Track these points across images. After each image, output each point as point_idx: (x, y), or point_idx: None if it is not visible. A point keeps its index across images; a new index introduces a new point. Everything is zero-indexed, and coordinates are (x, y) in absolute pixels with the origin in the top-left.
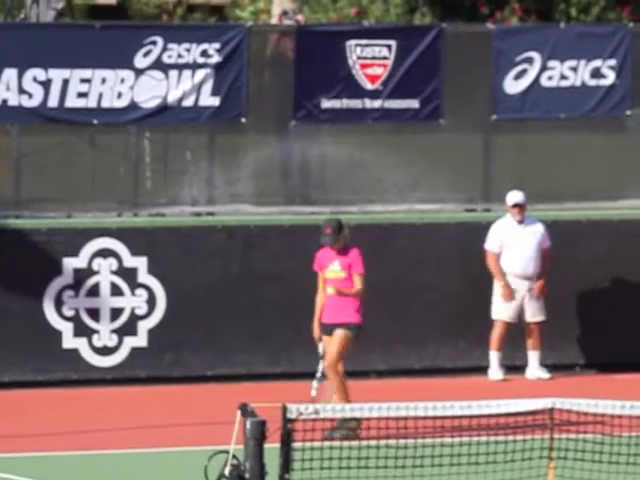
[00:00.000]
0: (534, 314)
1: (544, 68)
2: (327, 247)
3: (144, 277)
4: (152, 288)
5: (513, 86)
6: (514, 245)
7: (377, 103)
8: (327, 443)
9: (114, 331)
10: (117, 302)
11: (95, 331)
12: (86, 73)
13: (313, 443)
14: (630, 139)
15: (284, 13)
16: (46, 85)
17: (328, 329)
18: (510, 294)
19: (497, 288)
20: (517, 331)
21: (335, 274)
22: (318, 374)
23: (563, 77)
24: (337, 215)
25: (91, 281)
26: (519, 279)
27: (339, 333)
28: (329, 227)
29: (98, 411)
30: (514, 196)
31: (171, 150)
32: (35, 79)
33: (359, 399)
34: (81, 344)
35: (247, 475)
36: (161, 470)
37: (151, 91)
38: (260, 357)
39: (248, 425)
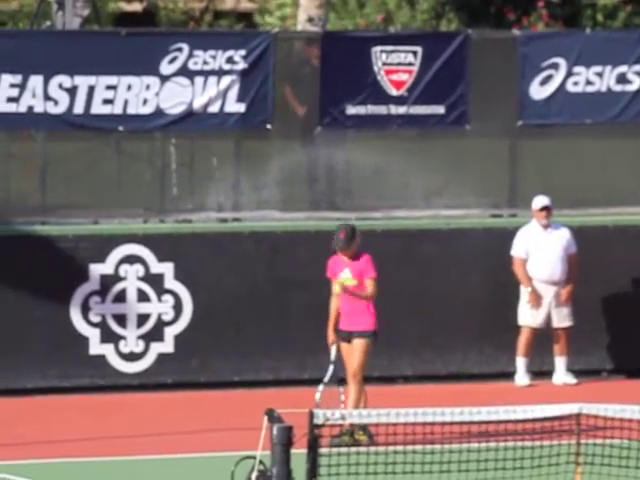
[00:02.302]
0: (561, 320)
1: (570, 74)
2: (338, 254)
3: (171, 283)
4: (179, 294)
5: (539, 92)
6: (540, 250)
7: (402, 109)
8: (354, 449)
9: (141, 337)
10: (144, 308)
11: (122, 337)
12: (112, 80)
13: (340, 449)
14: None
15: (310, 19)
16: (72, 92)
17: (345, 336)
18: (537, 300)
19: (524, 294)
20: (544, 337)
21: (346, 281)
22: (326, 379)
23: (589, 82)
24: (363, 221)
25: (118, 287)
26: (546, 285)
27: (359, 345)
28: (343, 232)
29: (125, 417)
30: (542, 199)
31: (197, 156)
32: (61, 86)
33: (385, 404)
34: (108, 350)
35: None
36: (188, 476)
37: (177, 97)
38: (287, 363)
39: (275, 431)
